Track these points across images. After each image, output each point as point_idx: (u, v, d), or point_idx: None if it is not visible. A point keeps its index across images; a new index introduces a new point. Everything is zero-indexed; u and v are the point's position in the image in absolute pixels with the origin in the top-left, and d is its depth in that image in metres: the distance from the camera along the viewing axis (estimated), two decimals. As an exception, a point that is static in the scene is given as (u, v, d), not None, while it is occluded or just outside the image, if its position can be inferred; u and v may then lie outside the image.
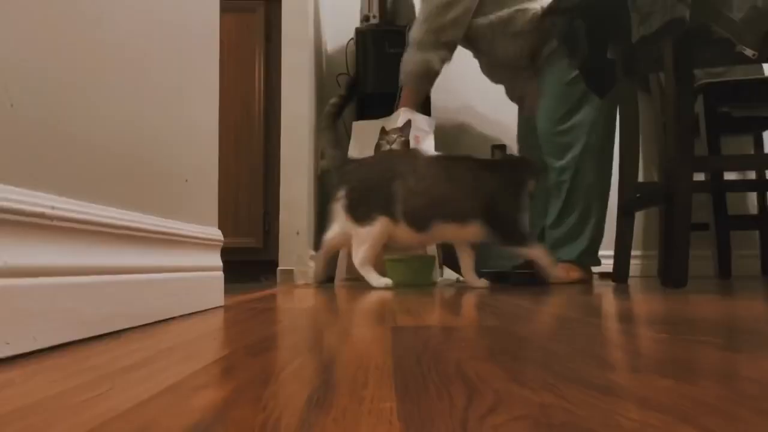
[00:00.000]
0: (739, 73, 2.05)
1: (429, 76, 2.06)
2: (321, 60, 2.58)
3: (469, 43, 2.16)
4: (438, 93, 2.41)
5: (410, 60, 2.05)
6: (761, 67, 2.11)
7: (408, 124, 2.14)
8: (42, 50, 0.56)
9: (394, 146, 2.08)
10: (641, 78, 2.12)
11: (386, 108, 2.31)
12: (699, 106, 2.13)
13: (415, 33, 2.05)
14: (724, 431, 0.28)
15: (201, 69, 1.02)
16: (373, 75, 2.41)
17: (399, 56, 2.31)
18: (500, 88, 2.32)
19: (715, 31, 1.38)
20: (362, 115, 2.35)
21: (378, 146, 2.15)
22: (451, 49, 2.06)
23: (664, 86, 1.72)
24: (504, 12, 2.00)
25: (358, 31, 2.43)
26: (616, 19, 1.64)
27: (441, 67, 2.05)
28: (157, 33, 0.83)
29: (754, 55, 1.36)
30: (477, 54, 2.24)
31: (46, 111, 0.56)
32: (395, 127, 2.14)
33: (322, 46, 2.67)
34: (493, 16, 2.01)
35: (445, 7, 1.98)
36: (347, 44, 2.58)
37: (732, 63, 1.90)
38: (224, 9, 1.16)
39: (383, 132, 2.16)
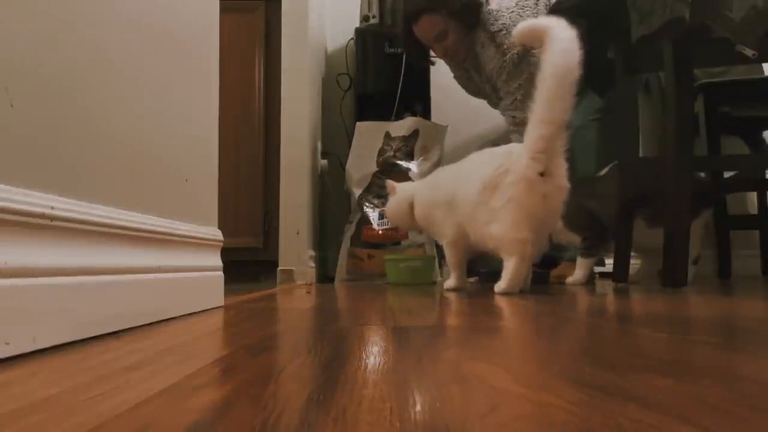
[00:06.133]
0: (739, 73, 2.05)
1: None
2: (321, 60, 2.58)
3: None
4: (436, 92, 2.41)
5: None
6: (761, 67, 2.10)
7: (415, 133, 2.11)
8: (42, 51, 0.56)
9: (397, 155, 2.07)
10: (641, 78, 2.11)
11: (385, 108, 2.30)
12: (699, 106, 2.12)
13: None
14: (724, 431, 0.28)
15: (201, 69, 1.02)
16: (373, 75, 2.41)
17: (399, 56, 2.31)
18: None
19: (715, 30, 1.38)
20: (362, 116, 2.34)
21: (381, 151, 2.14)
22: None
23: (664, 86, 1.72)
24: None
25: (358, 31, 2.43)
26: (616, 19, 1.64)
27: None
28: (156, 33, 0.83)
29: (753, 55, 1.36)
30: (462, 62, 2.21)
31: (47, 112, 0.56)
32: (401, 135, 2.12)
33: (322, 46, 2.67)
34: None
35: None
36: (347, 44, 2.58)
37: (732, 63, 1.89)
38: (224, 9, 1.16)
39: (387, 137, 2.15)
